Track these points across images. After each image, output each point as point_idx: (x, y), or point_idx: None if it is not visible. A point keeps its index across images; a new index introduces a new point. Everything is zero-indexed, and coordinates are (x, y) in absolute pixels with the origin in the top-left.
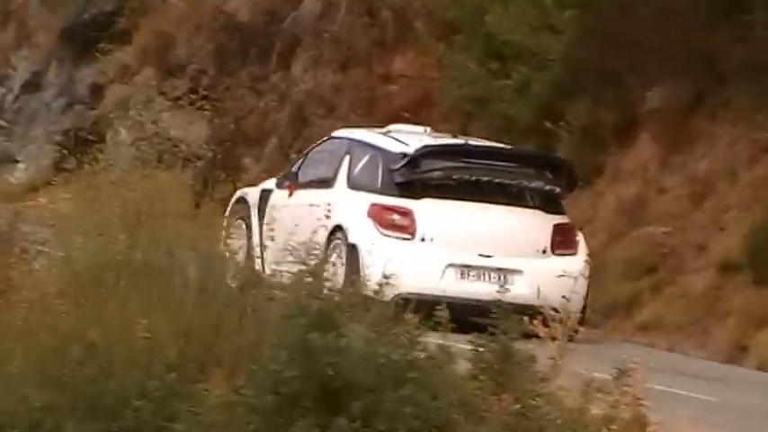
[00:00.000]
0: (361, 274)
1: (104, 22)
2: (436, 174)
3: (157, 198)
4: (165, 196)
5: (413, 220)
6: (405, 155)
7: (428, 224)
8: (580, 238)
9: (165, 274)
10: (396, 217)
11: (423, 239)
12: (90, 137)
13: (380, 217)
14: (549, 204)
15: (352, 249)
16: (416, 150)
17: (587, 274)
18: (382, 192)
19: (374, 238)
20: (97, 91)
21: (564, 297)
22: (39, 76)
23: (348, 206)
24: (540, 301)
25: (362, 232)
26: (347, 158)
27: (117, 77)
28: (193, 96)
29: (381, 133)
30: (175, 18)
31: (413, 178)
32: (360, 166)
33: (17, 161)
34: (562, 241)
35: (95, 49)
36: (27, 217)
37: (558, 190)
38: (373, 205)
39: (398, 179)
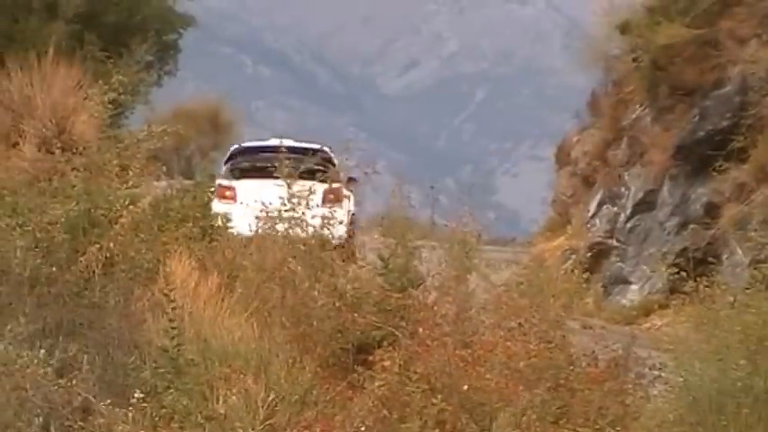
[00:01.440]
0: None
1: (720, 139)
2: (244, 164)
3: None
4: None
5: (235, 193)
6: (230, 152)
7: (243, 194)
8: (347, 196)
9: None
10: (227, 192)
11: (241, 203)
12: (705, 258)
13: (221, 192)
14: (320, 176)
15: None
16: (234, 149)
17: (347, 218)
18: (224, 176)
19: (216, 205)
20: (712, 210)
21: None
22: (652, 195)
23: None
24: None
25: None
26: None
27: (733, 196)
28: None
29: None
30: None
31: (234, 167)
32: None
33: (629, 282)
34: (331, 198)
35: (711, 167)
36: (642, 341)
37: (322, 167)
38: (218, 185)
39: (228, 168)
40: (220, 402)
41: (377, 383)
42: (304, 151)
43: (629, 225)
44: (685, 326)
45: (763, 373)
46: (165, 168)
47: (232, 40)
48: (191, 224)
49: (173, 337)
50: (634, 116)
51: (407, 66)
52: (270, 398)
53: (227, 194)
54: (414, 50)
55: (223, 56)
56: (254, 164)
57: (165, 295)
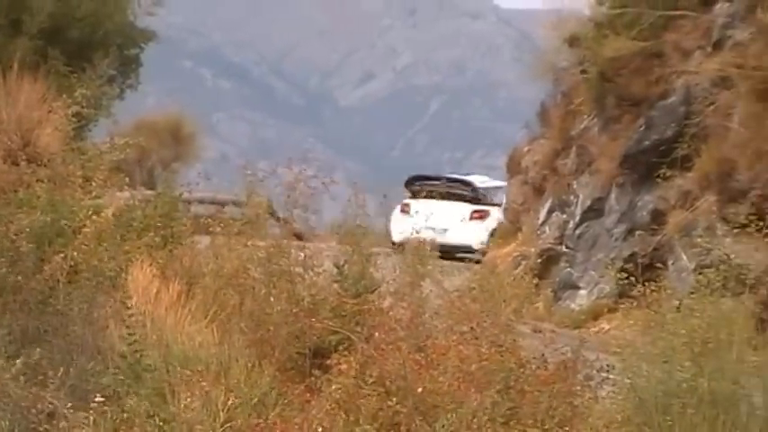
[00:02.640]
0: None
1: (665, 148)
2: (416, 188)
3: (722, 325)
4: (729, 323)
5: (409, 208)
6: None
7: (414, 208)
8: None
9: (730, 402)
10: (405, 207)
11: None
12: (652, 263)
13: (403, 207)
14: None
15: None
16: (410, 177)
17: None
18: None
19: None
20: (658, 217)
21: None
22: (600, 203)
23: None
24: None
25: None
26: None
27: (678, 203)
28: (759, 223)
29: None
30: (737, 143)
31: (410, 189)
32: None
33: (578, 287)
34: (476, 216)
35: (657, 175)
36: (591, 344)
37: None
38: (402, 203)
39: (407, 190)
40: (181, 406)
41: (333, 387)
42: (458, 181)
43: (577, 232)
44: (633, 329)
45: (707, 374)
46: (127, 179)
47: (193, 54)
48: (152, 233)
49: (130, 343)
50: (582, 126)
51: (363, 78)
52: (230, 401)
53: (405, 209)
54: (369, 63)
55: (184, 70)
56: (423, 188)
57: (123, 303)
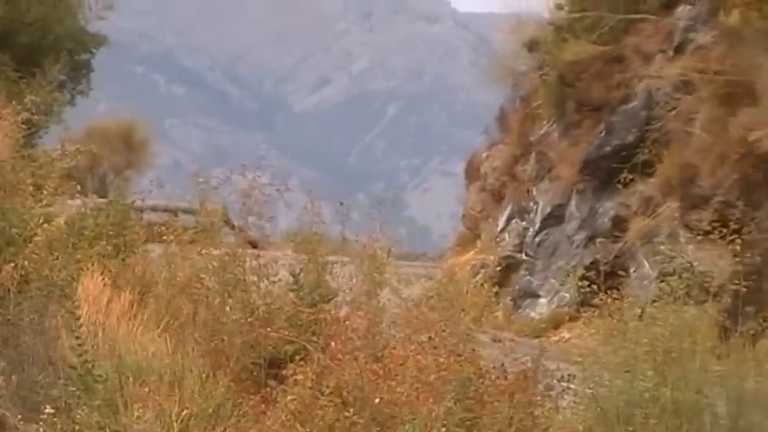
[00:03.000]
0: None
1: (626, 153)
2: None
3: (685, 334)
4: (692, 332)
5: None
6: None
7: None
8: None
9: (693, 412)
10: None
11: None
12: (614, 271)
13: None
14: None
15: None
16: None
17: None
18: None
19: None
20: (620, 223)
21: None
22: (560, 209)
23: None
24: None
25: None
26: None
27: (640, 210)
28: (722, 230)
29: None
30: (699, 148)
31: None
32: None
33: (538, 295)
34: None
35: (618, 181)
36: (551, 353)
37: None
38: None
39: None
40: (133, 417)
41: (289, 397)
42: None
43: (537, 239)
44: (594, 338)
45: (669, 383)
46: (78, 187)
47: (145, 59)
48: (104, 242)
49: (80, 354)
50: (542, 132)
51: (319, 83)
52: (183, 412)
53: None
54: (325, 68)
55: (136, 75)
56: None
57: (71, 313)
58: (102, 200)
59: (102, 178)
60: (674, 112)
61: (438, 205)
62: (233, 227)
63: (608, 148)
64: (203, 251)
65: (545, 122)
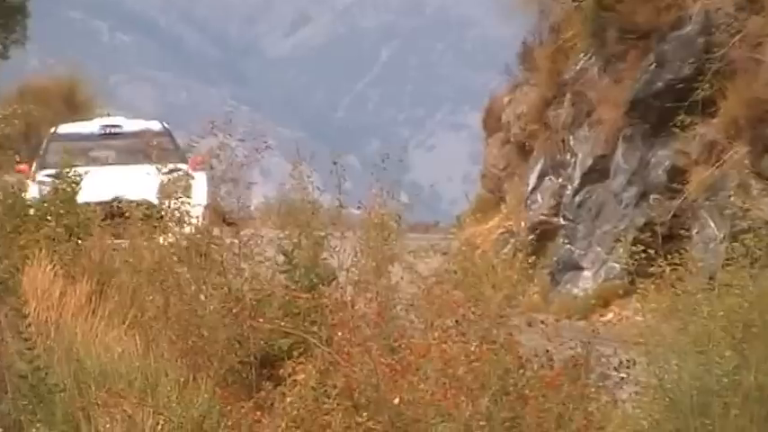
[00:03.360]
0: None
1: (682, 89)
2: None
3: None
4: None
5: None
6: None
7: None
8: None
9: None
10: None
11: None
12: (672, 233)
13: None
14: None
15: None
16: None
17: None
18: None
19: None
20: (677, 175)
21: None
22: (603, 162)
23: None
24: None
25: None
26: None
27: (701, 158)
28: None
29: None
30: None
31: None
32: None
33: (582, 268)
34: None
35: (673, 123)
36: (604, 335)
37: None
38: None
39: None
40: None
41: (289, 401)
42: None
43: (577, 199)
44: (655, 315)
45: (752, 365)
46: (17, 157)
47: (83, 2)
48: (53, 223)
49: (30, 360)
50: (577, 68)
51: (296, 22)
52: (159, 425)
53: None
54: (302, 3)
55: (73, 21)
56: None
57: (17, 310)
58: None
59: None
60: (738, 37)
61: (447, 165)
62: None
63: (659, 84)
64: (170, 230)
65: (581, 56)
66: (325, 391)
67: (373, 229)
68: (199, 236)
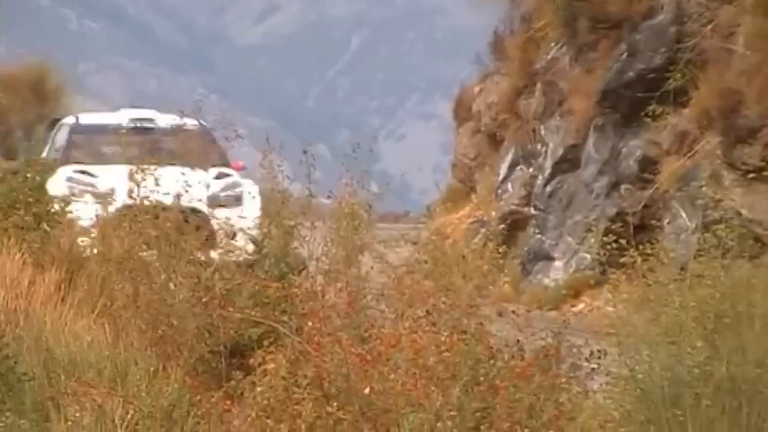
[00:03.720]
0: None
1: (654, 79)
2: None
3: (739, 294)
4: (748, 292)
5: None
6: None
7: None
8: None
9: (754, 389)
10: None
11: None
12: (644, 223)
13: None
14: None
15: None
16: None
17: None
18: None
19: None
20: (649, 165)
21: None
22: (575, 151)
23: None
24: None
25: None
26: None
27: (673, 148)
28: None
29: None
30: (743, 70)
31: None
32: None
33: (552, 258)
34: None
35: (645, 113)
36: (575, 326)
37: None
38: None
39: None
40: (68, 423)
41: (259, 390)
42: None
43: (548, 189)
44: (626, 305)
45: (724, 356)
46: None
47: None
48: (22, 211)
49: None
50: (549, 57)
51: (265, 11)
52: (129, 414)
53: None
54: None
55: (42, 9)
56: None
57: None
58: (12, 162)
59: (9, 135)
60: (710, 27)
61: (418, 155)
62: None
63: (631, 74)
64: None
65: (552, 46)
66: (296, 380)
67: (343, 219)
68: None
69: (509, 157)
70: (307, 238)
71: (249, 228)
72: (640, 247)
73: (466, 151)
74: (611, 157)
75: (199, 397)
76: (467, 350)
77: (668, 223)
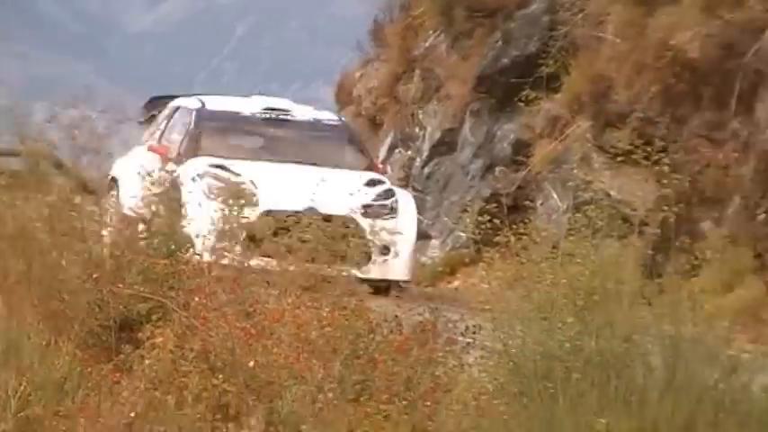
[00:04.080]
0: None
1: (527, 66)
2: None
3: (608, 273)
4: (617, 270)
5: None
6: None
7: None
8: None
9: (622, 363)
10: None
11: None
12: (518, 204)
13: None
14: None
15: None
16: None
17: None
18: None
19: None
20: (523, 148)
21: None
22: (451, 135)
23: None
24: None
25: None
26: None
27: (545, 131)
28: (644, 151)
29: None
30: (613, 57)
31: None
32: None
33: (430, 237)
34: None
35: (518, 98)
36: (452, 302)
37: None
38: None
39: None
40: None
41: (147, 363)
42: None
43: (426, 171)
44: (500, 282)
45: (593, 331)
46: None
47: None
48: None
49: None
50: (427, 45)
51: None
52: (22, 386)
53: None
54: None
55: None
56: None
57: None
58: None
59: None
60: (581, 16)
61: None
62: (60, 166)
63: (505, 61)
64: (32, 197)
65: (430, 33)
66: (183, 353)
67: (232, 197)
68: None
69: (388, 140)
70: (193, 218)
71: (401, 250)
72: (514, 226)
73: None
74: (486, 141)
75: (89, 369)
76: (347, 325)
77: (540, 204)
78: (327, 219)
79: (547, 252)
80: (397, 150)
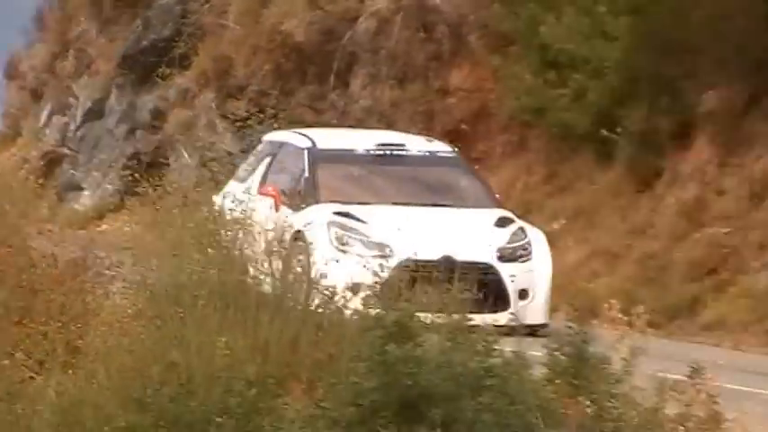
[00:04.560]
0: None
1: (163, 47)
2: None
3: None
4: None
5: None
6: None
7: None
8: None
9: (239, 291)
10: None
11: None
12: (155, 161)
13: None
14: None
15: None
16: None
17: None
18: None
19: None
20: (159, 115)
21: None
22: (100, 104)
23: None
24: None
25: None
26: None
27: (178, 101)
28: (255, 117)
29: None
30: (233, 41)
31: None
32: None
33: (82, 188)
34: None
35: (156, 74)
36: (100, 242)
37: None
38: None
39: None
40: None
41: None
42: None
43: (79, 134)
44: (140, 226)
45: (216, 265)
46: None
47: None
48: None
49: None
50: (80, 29)
51: None
52: None
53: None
54: None
55: None
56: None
57: None
58: None
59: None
60: (207, 6)
61: None
62: None
63: (145, 43)
64: None
65: (82, 20)
66: None
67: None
68: None
69: (48, 108)
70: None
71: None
72: (151, 180)
73: (13, 103)
74: (130, 109)
75: None
76: (12, 261)
77: (174, 161)
78: (464, 267)
79: (178, 201)
80: (55, 117)
